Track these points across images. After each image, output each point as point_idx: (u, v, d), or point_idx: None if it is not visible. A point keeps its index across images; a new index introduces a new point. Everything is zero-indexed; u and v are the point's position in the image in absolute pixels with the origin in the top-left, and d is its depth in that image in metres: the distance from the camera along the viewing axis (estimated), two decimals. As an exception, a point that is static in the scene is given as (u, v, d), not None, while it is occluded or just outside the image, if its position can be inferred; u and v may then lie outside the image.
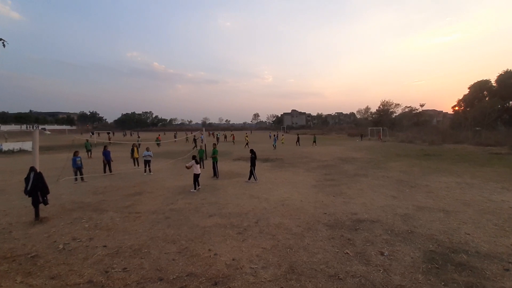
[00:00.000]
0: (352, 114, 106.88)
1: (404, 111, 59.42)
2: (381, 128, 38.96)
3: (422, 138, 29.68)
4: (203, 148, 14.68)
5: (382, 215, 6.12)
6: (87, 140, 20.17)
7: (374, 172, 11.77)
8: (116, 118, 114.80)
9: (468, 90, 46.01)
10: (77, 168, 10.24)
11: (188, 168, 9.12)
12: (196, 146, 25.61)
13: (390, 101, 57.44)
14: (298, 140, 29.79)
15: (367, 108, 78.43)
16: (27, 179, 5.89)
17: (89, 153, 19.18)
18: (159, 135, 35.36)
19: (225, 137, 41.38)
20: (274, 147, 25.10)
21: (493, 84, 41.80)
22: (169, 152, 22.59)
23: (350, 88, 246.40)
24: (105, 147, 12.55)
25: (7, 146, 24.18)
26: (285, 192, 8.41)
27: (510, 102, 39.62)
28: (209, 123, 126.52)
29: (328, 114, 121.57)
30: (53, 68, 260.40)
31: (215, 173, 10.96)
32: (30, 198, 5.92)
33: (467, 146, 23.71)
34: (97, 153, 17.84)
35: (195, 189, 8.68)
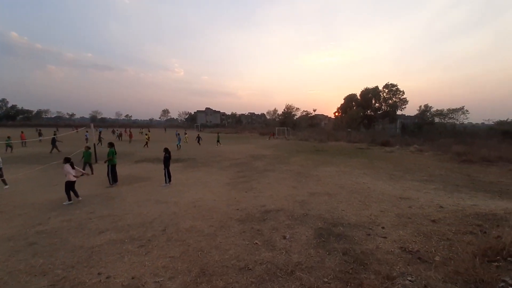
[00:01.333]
0: (263, 114, 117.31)
1: (302, 115, 70.87)
2: (285, 128, 44.67)
3: (314, 137, 36.24)
4: (90, 148, 11.27)
5: (285, 203, 6.91)
6: None
7: (279, 167, 13.25)
8: None
9: (343, 100, 60.30)
10: None
11: (77, 177, 7.17)
12: (101, 143, 21.55)
13: (292, 105, 67.32)
14: (199, 139, 28.05)
15: (275, 110, 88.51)
16: None
17: None
18: (22, 132, 25.94)
19: (119, 135, 33.89)
20: (178, 147, 22.16)
21: (358, 97, 56.69)
22: (34, 155, 17.12)
23: (261, 90, 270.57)
24: None
25: None
26: (197, 193, 8.08)
27: (368, 111, 54.87)
28: (102, 117, 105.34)
29: (241, 114, 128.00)
30: None
31: (113, 180, 9.20)
32: None
33: (343, 143, 30.84)
34: None
35: (69, 200, 6.99)
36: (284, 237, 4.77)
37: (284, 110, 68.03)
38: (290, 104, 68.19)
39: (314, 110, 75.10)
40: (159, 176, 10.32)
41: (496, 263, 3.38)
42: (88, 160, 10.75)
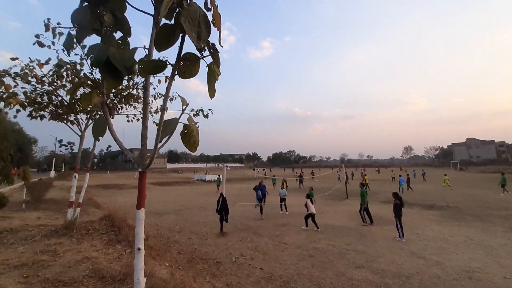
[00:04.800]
0: None
1: None
2: None
3: None
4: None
5: None
6: (273, 176, 25.35)
7: None
8: (268, 155, 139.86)
9: None
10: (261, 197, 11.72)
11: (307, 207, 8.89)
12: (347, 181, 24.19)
13: None
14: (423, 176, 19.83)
15: None
16: (218, 201, 8.39)
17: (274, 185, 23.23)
18: (301, 171, 37.62)
19: (351, 175, 33.25)
20: (402, 190, 17.96)
21: None
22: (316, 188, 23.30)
23: None
24: (260, 182, 15.14)
25: (208, 177, 36.91)
26: (471, 259, 5.85)
27: None
28: (348, 159, 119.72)
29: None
30: (232, 124, 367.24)
31: (368, 219, 9.31)
32: (219, 216, 8.26)
33: None
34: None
35: (306, 226, 8.76)
36: None
37: None
38: None
39: None
40: (409, 222, 9.12)
41: None
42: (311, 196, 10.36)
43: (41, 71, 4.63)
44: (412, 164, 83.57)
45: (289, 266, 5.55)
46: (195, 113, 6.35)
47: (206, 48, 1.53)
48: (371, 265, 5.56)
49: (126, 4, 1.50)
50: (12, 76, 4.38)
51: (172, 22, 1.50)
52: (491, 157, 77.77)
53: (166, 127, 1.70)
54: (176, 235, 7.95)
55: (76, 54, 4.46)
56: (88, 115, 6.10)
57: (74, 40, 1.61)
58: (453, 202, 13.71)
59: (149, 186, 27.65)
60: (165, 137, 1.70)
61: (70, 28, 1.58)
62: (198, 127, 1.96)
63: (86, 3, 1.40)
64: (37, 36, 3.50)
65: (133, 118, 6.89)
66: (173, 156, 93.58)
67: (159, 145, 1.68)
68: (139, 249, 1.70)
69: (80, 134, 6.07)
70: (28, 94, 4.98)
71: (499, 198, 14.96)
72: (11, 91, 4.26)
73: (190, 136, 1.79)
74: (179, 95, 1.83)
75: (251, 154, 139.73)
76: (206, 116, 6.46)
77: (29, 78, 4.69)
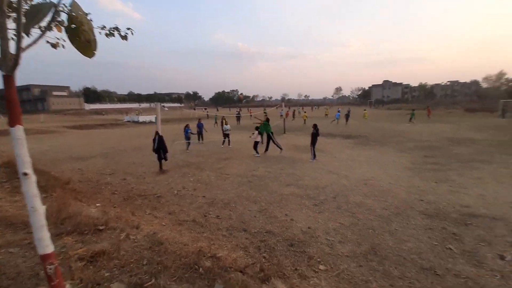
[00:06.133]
0: (475, 82, 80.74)
1: None
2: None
3: None
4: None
5: (509, 213, 4.66)
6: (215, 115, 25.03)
7: (502, 159, 8.85)
8: (211, 96, 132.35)
9: None
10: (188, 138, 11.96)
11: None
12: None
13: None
14: (347, 117, 24.99)
15: (501, 74, 56.85)
16: (154, 140, 7.85)
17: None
18: (249, 110, 38.09)
19: (293, 113, 35.50)
20: (337, 122, 24.22)
21: None
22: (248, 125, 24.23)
23: (473, 47, 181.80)
24: (199, 119, 14.68)
25: (142, 118, 33.17)
26: (368, 172, 7.64)
27: None
28: (288, 98, 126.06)
29: (435, 84, 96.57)
30: (166, 58, 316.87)
31: (277, 147, 10.68)
32: (156, 155, 7.88)
33: None
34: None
35: (257, 153, 10.04)
36: (502, 257, 3.34)
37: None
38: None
39: None
40: (331, 149, 10.92)
41: None
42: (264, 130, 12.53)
43: None
44: (339, 103, 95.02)
45: (229, 191, 6.07)
46: (107, 31, 4.99)
47: None
48: (298, 183, 6.63)
49: None
50: None
51: None
52: (397, 97, 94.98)
53: (34, 13, 1.19)
54: (108, 178, 7.39)
55: None
56: None
57: None
58: (364, 133, 16.86)
59: (64, 130, 23.48)
60: (33, 26, 1.21)
61: None
62: (91, 21, 1.47)
63: None
64: None
65: None
66: (91, 95, 75.70)
67: (29, 42, 1.20)
68: (25, 174, 1.40)
69: None
70: None
71: (398, 129, 19.11)
72: None
73: (79, 32, 1.33)
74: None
75: (191, 93, 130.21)
76: (124, 38, 5.18)
77: None
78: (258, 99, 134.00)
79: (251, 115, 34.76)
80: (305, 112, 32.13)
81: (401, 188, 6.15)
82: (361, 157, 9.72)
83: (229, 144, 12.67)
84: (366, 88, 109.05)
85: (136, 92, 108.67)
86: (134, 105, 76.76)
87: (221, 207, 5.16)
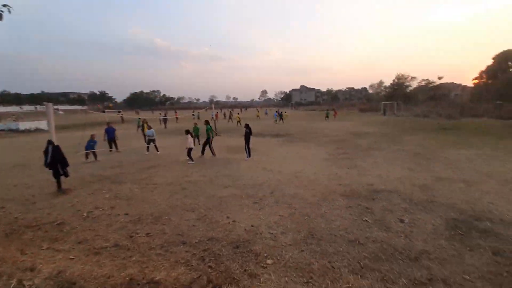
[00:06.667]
0: (364, 89, 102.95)
1: (420, 85, 56.26)
2: (395, 102, 37.40)
3: (439, 112, 28.35)
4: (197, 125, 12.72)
5: (399, 186, 6.01)
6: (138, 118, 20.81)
7: (389, 146, 11.47)
8: (125, 97, 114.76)
9: (492, 61, 42.85)
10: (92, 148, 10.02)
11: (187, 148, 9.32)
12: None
13: (405, 74, 54.25)
14: (280, 117, 28.09)
15: (380, 83, 74.99)
16: (46, 152, 6.02)
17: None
18: (175, 112, 35.16)
19: (230, 114, 36.55)
20: (276, 122, 26.78)
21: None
22: (176, 129, 22.70)
23: (362, 62, 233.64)
24: (108, 123, 12.50)
25: (24, 125, 24.65)
26: (297, 166, 8.35)
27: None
28: (217, 100, 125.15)
29: (338, 90, 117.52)
30: (59, 48, 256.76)
31: (209, 152, 10.31)
32: (51, 171, 6.10)
33: (487, 120, 22.65)
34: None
35: (192, 160, 9.16)
36: (402, 221, 4.21)
37: (394, 81, 56.02)
38: (402, 73, 55.15)
39: (440, 78, 57.94)
40: (263, 148, 11.38)
41: None
42: (196, 133, 12.37)
43: None
44: (264, 105, 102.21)
45: (159, 203, 5.34)
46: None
47: None
48: (235, 183, 6.53)
49: None
50: None
51: None
52: (312, 100, 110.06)
53: None
54: (-27, 209, 5.23)
55: None
56: None
57: None
58: (289, 131, 18.58)
59: None
60: None
61: None
62: None
63: None
64: None
65: None
66: None
67: None
68: None
69: None
70: None
71: (315, 126, 21.96)
72: None
73: None
74: None
75: (98, 93, 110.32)
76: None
77: None
78: (184, 101, 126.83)
79: (177, 118, 32.67)
80: (237, 113, 32.77)
81: (324, 177, 6.98)
82: (290, 153, 10.57)
83: (157, 150, 11.25)
84: (287, 91, 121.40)
85: (12, 92, 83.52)
86: (11, 108, 58.89)
87: (151, 222, 4.45)
